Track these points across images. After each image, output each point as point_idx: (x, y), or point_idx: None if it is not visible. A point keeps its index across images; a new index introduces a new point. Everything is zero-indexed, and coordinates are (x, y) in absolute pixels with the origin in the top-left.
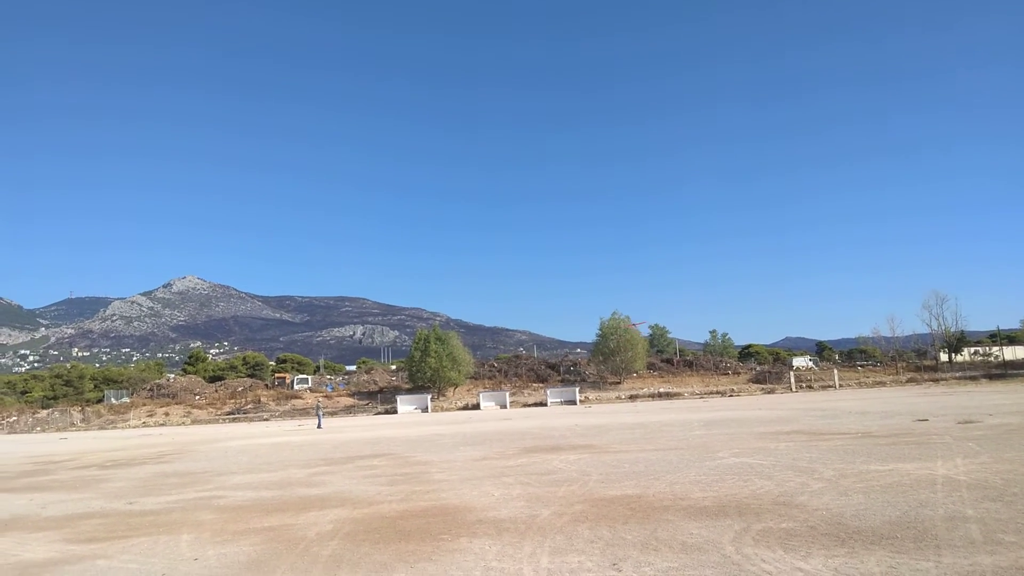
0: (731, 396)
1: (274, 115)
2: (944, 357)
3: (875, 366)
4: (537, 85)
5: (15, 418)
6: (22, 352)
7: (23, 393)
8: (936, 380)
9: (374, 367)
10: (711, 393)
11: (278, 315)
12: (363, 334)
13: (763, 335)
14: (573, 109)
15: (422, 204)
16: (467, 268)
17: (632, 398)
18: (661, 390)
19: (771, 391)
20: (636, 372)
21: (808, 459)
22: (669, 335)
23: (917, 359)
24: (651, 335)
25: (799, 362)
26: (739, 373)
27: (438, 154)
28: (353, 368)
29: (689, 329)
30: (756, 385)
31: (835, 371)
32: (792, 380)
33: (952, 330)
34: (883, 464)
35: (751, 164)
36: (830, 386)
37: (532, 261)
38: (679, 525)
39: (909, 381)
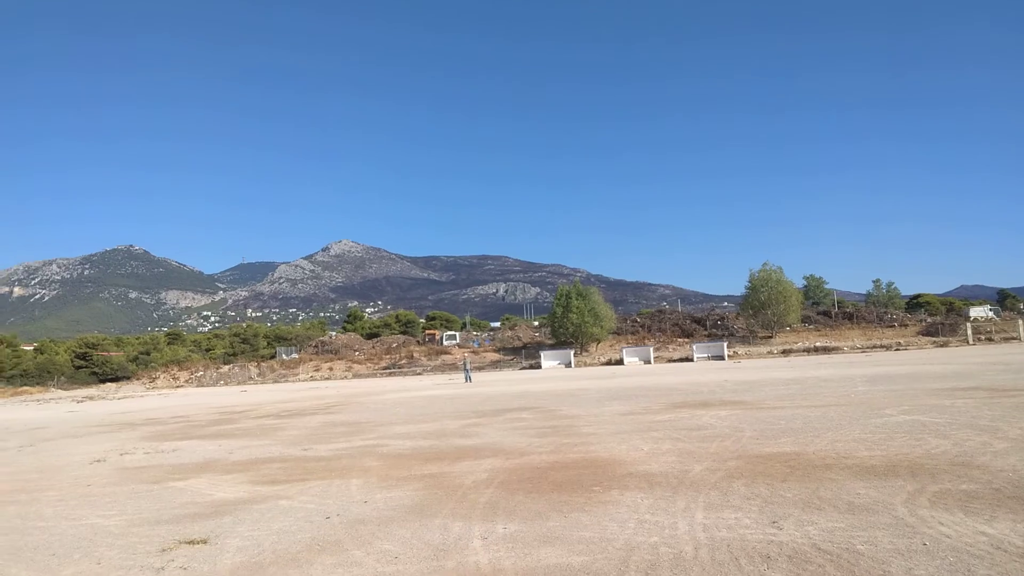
0: (897, 350)
1: (418, 83)
2: None
3: None
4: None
5: (202, 372)
6: (204, 313)
7: (207, 350)
8: None
9: (518, 323)
10: (874, 347)
11: (425, 275)
12: (506, 291)
13: (934, 284)
14: (729, 56)
15: (564, 161)
16: (608, 222)
17: (785, 353)
18: (817, 344)
19: (944, 344)
20: (789, 326)
21: (990, 417)
22: (826, 286)
23: None
24: (806, 286)
25: (977, 312)
26: (906, 325)
27: (580, 107)
28: (497, 325)
29: (849, 280)
30: (926, 338)
31: (1020, 322)
32: (969, 332)
33: None
34: None
35: (919, 95)
36: (1014, 338)
37: (676, 212)
38: (844, 484)
39: None
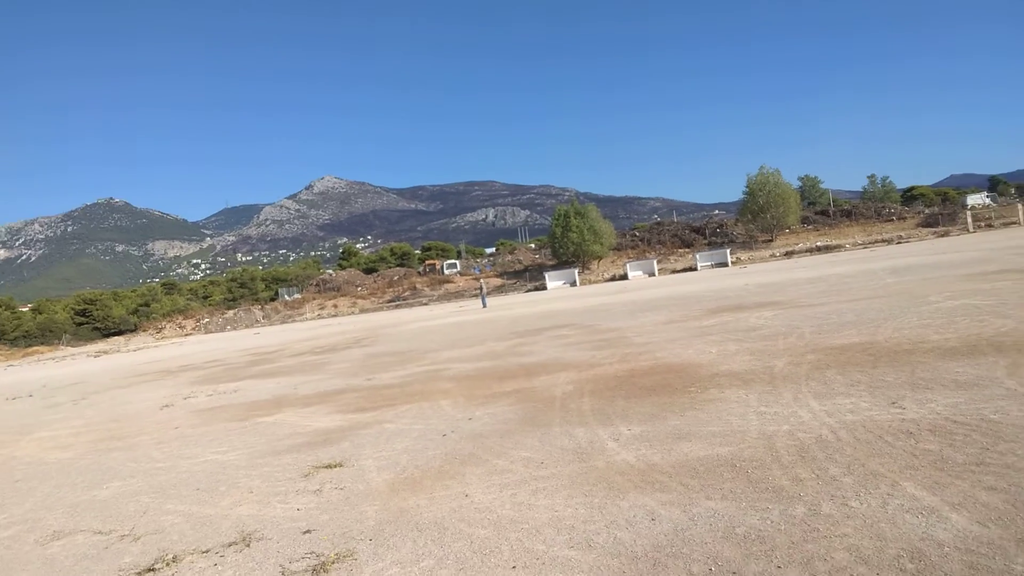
0: (899, 243)
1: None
2: None
3: None
4: None
5: (207, 319)
6: (194, 261)
7: (204, 298)
8: None
9: (516, 247)
10: (875, 242)
11: (413, 205)
12: (495, 216)
13: (925, 175)
14: None
15: (542, 67)
16: (591, 132)
17: (788, 255)
18: (818, 244)
19: (945, 234)
20: (789, 228)
21: None
22: (821, 185)
23: None
24: (801, 187)
25: (974, 200)
26: (904, 218)
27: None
28: (492, 250)
29: (843, 178)
30: (926, 229)
31: (1020, 206)
32: (969, 220)
33: None
34: None
35: None
36: (1014, 223)
37: (662, 119)
38: (936, 366)
39: None
